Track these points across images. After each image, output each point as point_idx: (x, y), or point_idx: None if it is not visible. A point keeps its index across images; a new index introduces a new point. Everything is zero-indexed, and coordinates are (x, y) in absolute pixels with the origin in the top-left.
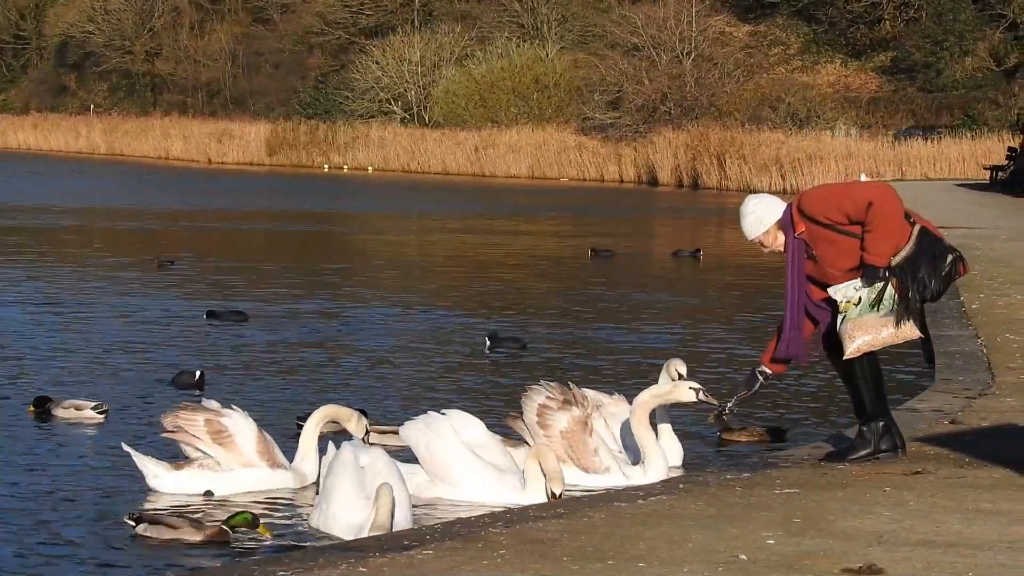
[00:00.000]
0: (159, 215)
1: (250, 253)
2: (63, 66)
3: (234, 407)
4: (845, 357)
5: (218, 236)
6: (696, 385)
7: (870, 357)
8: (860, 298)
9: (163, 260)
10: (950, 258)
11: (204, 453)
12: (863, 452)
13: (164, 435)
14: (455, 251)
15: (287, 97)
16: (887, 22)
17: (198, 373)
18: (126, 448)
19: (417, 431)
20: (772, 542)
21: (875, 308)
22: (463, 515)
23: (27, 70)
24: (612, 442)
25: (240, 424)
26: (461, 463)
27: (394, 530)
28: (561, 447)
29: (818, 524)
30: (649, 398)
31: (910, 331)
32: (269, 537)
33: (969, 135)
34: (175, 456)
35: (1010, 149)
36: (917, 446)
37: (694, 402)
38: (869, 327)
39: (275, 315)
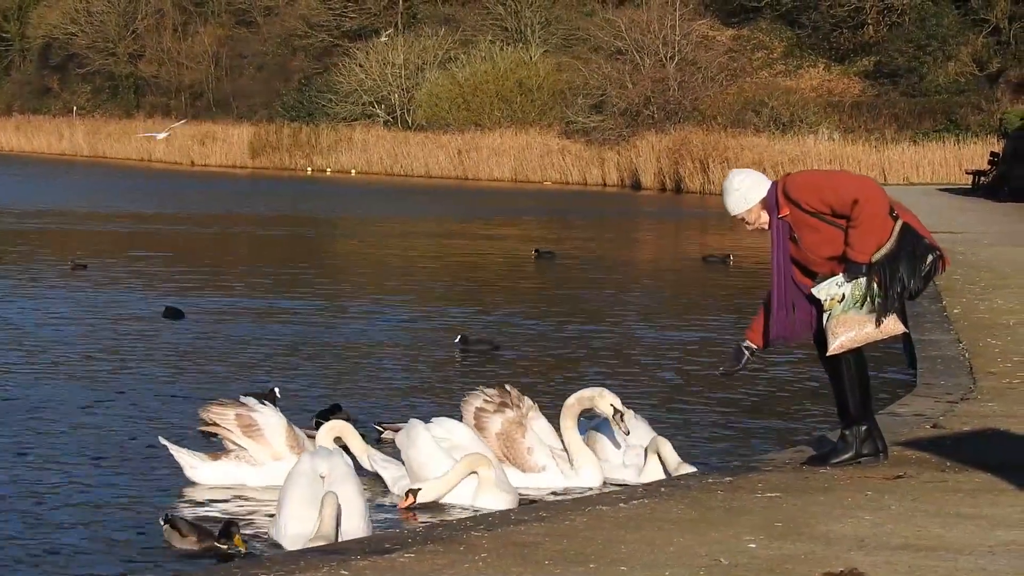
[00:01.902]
0: (134, 217)
1: (218, 254)
2: (46, 68)
3: (266, 403)
4: (829, 353)
5: (185, 237)
6: (619, 406)
7: (858, 359)
8: (843, 295)
9: (76, 263)
10: (931, 257)
11: (239, 446)
12: (845, 456)
13: (200, 428)
14: (431, 254)
15: (270, 100)
16: (870, 27)
17: (276, 390)
18: (163, 441)
19: (401, 436)
20: (754, 546)
21: (859, 305)
22: (445, 518)
23: (10, 72)
24: (613, 449)
25: (270, 419)
26: (432, 467)
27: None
28: (497, 448)
29: (799, 528)
30: (575, 402)
31: (894, 326)
32: (243, 549)
33: (952, 140)
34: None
35: (992, 154)
36: (899, 450)
37: (610, 416)
38: (853, 324)
39: (235, 314)
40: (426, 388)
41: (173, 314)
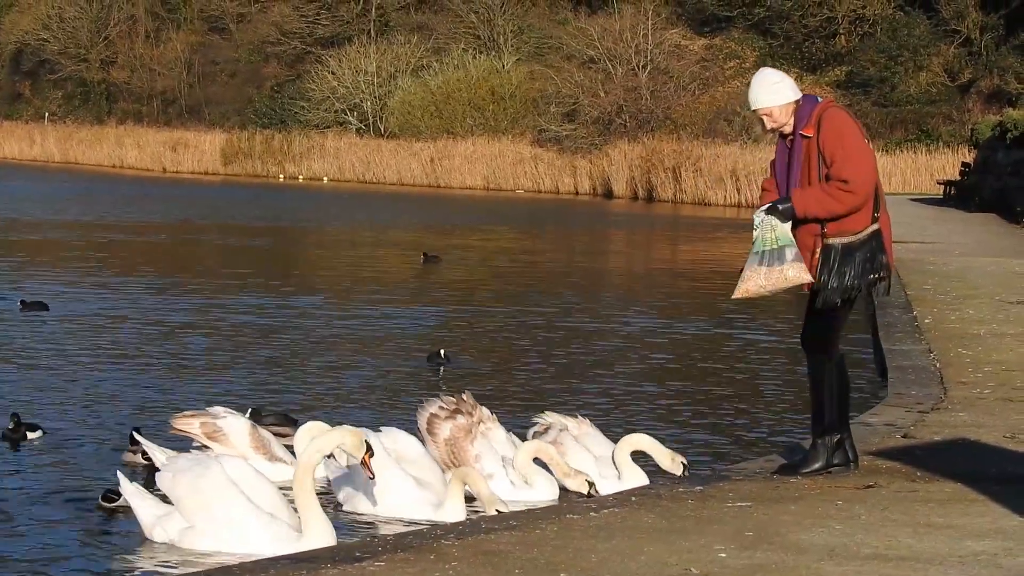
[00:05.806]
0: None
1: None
2: (18, 74)
3: (231, 411)
4: (733, 297)
5: (156, 245)
6: (590, 480)
7: (841, 368)
8: (755, 235)
9: None
10: (881, 273)
11: (208, 448)
12: (816, 465)
13: (172, 432)
14: (397, 261)
15: (242, 106)
16: (842, 37)
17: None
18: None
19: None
20: (724, 555)
21: (760, 254)
22: (415, 527)
23: None
24: (585, 461)
25: (233, 424)
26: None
27: None
28: (444, 454)
29: (770, 538)
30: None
31: (796, 275)
32: None
33: (923, 150)
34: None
35: (964, 164)
36: (869, 460)
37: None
38: (755, 271)
39: (189, 321)
40: (374, 394)
41: (35, 306)
